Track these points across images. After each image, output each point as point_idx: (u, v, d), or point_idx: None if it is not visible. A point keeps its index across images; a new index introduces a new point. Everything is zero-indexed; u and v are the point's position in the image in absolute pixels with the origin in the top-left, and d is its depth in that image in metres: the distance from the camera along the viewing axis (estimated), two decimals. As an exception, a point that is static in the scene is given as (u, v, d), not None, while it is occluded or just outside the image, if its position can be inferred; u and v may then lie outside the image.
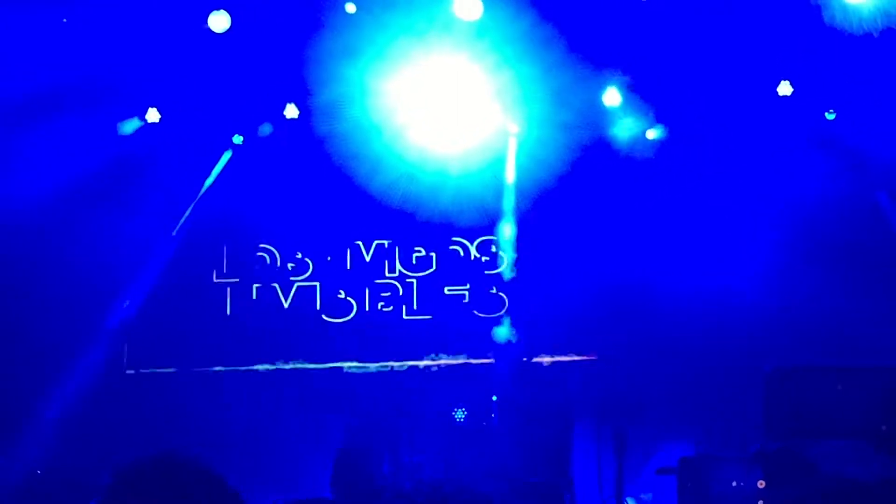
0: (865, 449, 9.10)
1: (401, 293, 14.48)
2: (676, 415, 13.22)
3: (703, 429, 12.42)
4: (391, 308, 14.47)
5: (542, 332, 14.01)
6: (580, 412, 13.57)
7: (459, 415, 13.09)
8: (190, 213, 14.37)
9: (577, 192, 13.91)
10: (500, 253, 14.36)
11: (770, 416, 9.69)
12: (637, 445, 13.26)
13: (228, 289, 14.55)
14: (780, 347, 12.32)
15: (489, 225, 14.30)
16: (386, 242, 14.55)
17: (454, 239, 14.47)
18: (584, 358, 13.97)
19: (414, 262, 14.55)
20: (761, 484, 9.83)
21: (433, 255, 14.56)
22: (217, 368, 14.36)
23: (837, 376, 9.60)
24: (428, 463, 12.73)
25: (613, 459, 13.27)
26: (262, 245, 14.57)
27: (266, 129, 14.27)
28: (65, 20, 12.87)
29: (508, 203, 14.21)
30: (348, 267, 14.55)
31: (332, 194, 14.27)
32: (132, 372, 14.29)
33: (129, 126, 13.90)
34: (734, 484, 10.45)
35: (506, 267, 14.34)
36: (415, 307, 14.45)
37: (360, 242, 14.56)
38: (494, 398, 13.16)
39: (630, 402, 13.40)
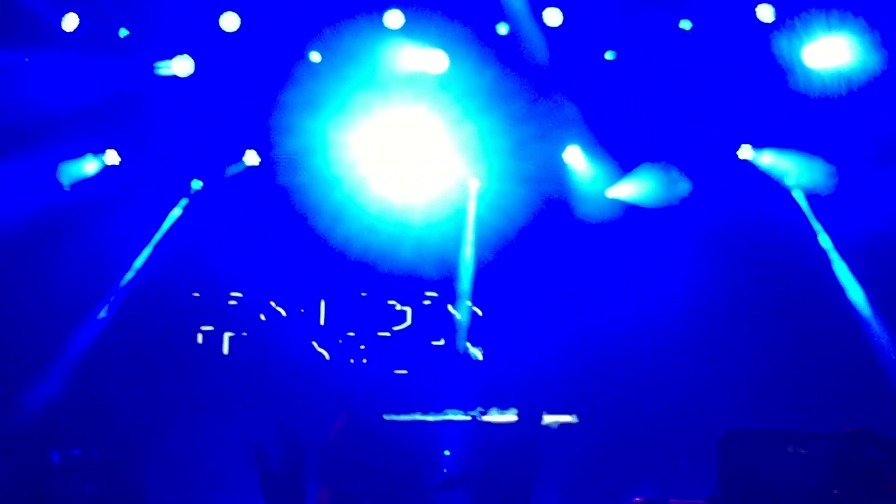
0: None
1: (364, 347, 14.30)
2: (638, 474, 13.09)
3: (661, 486, 12.31)
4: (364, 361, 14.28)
5: (499, 388, 13.87)
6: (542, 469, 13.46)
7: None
8: (148, 257, 14.14)
9: (538, 244, 13.81)
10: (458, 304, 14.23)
11: (724, 478, 9.61)
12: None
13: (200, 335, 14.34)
14: (742, 409, 12.25)
15: (450, 277, 14.16)
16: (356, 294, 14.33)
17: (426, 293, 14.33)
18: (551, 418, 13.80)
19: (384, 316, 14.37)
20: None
21: (407, 309, 14.41)
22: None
23: (789, 440, 9.55)
24: None
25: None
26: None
27: (228, 173, 14.13)
28: (27, 59, 12.82)
29: (469, 255, 14.12)
30: (320, 320, 14.36)
31: (293, 244, 14.03)
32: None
33: (89, 167, 13.75)
34: None
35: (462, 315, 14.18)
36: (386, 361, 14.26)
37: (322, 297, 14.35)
38: (447, 453, 13.03)
39: (590, 459, 13.32)
